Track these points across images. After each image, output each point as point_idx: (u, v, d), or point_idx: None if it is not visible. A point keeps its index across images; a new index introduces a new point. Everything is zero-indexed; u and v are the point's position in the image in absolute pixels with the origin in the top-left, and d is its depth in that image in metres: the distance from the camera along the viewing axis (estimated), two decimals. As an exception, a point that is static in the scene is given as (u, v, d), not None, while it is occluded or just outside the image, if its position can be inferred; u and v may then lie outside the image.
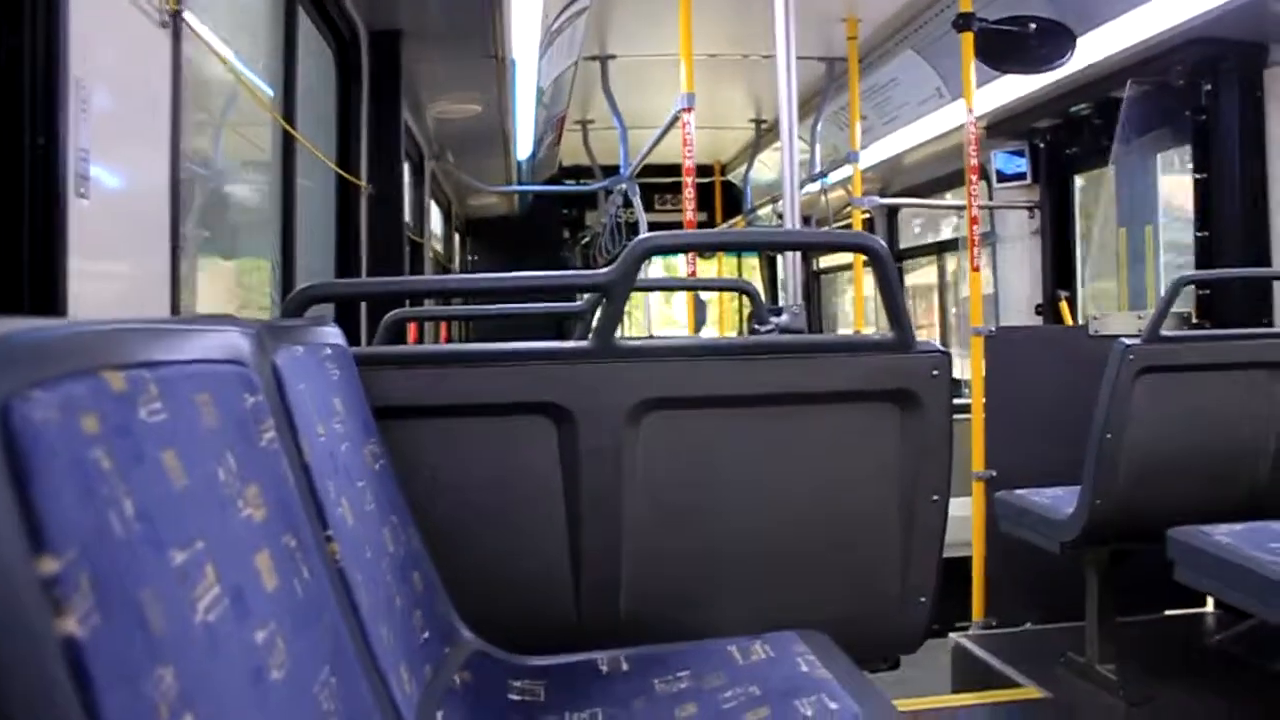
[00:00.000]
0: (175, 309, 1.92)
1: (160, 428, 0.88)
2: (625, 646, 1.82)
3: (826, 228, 7.28)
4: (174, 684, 0.74)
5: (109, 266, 1.73)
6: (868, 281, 6.19)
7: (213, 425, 1.01)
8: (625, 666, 1.76)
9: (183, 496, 0.88)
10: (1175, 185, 4.89)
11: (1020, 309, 5.98)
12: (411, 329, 5.26)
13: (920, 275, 8.39)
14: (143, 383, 0.88)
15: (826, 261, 9.68)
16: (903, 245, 8.25)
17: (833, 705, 1.52)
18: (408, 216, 5.49)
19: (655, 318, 8.89)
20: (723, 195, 10.20)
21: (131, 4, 1.79)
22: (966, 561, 4.28)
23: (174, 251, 1.98)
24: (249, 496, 1.04)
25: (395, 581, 1.57)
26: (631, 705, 1.66)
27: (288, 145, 3.42)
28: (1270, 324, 4.11)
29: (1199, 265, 4.36)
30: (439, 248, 8.68)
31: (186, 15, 2.05)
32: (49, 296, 1.48)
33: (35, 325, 0.75)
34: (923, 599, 2.04)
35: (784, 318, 3.13)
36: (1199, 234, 4.39)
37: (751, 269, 11.04)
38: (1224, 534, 2.77)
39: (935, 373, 1.98)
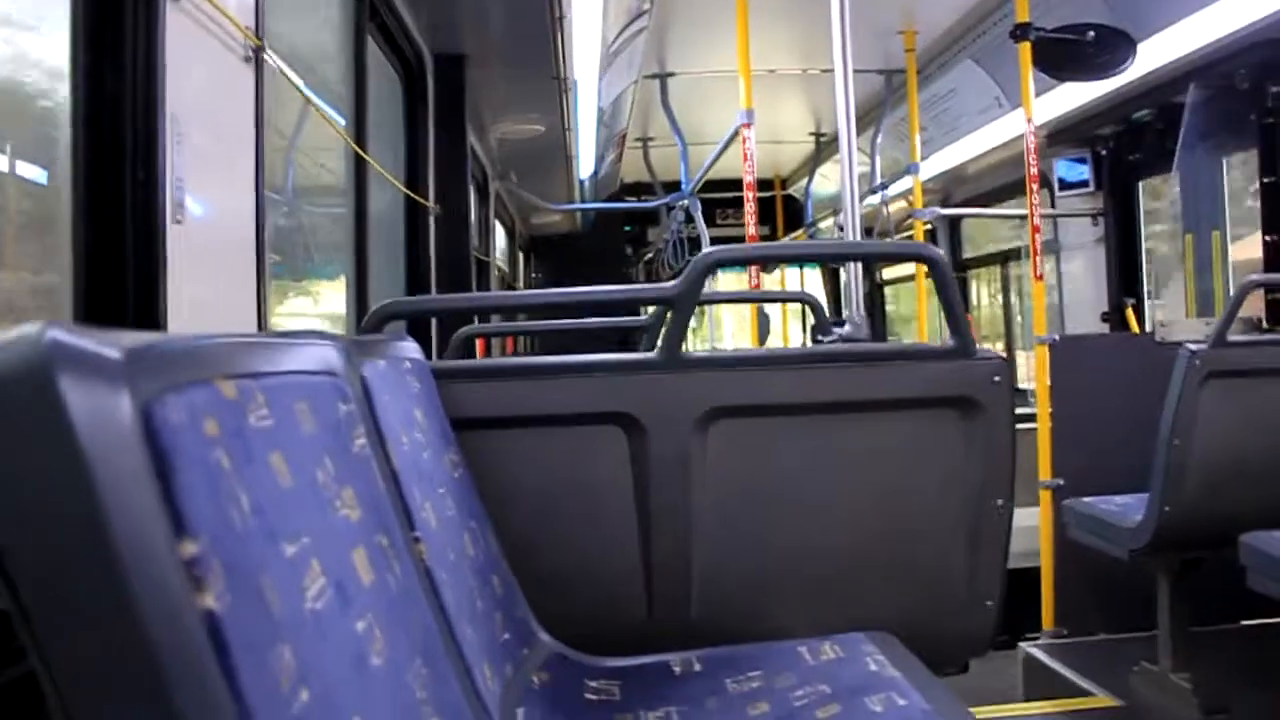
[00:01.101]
0: (261, 326, 2.01)
1: (267, 432, 0.96)
2: (697, 648, 1.87)
3: (888, 239, 7.29)
4: (292, 661, 0.81)
5: (201, 286, 1.83)
6: (930, 293, 6.20)
7: (312, 431, 1.09)
8: (698, 667, 1.81)
9: (289, 495, 0.96)
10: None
11: (1086, 317, 5.94)
12: (479, 345, 5.37)
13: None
14: (250, 391, 0.95)
15: (889, 273, 9.67)
16: (966, 254, 8.22)
17: (902, 702, 1.56)
18: (474, 237, 5.60)
19: (716, 337, 9.00)
20: (784, 209, 10.24)
21: (219, 43, 1.89)
22: (1035, 572, 4.26)
23: (260, 272, 2.07)
24: (345, 498, 1.11)
25: (476, 584, 1.64)
26: (705, 704, 1.70)
27: (360, 169, 3.54)
28: (1342, 327, 4.06)
29: (1268, 269, 4.32)
30: (504, 266, 8.83)
31: (267, 51, 2.15)
32: (150, 314, 1.57)
33: (157, 339, 0.83)
34: (989, 603, 2.06)
35: (846, 328, 3.17)
36: (1267, 238, 4.35)
37: (815, 283, 11.05)
38: None
39: (996, 379, 2.02)
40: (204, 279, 1.85)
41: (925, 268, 2.10)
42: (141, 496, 0.70)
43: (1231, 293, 3.72)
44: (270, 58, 2.17)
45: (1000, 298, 7.92)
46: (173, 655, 0.66)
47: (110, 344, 0.73)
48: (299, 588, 0.90)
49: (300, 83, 2.93)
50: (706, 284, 2.02)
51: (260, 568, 0.83)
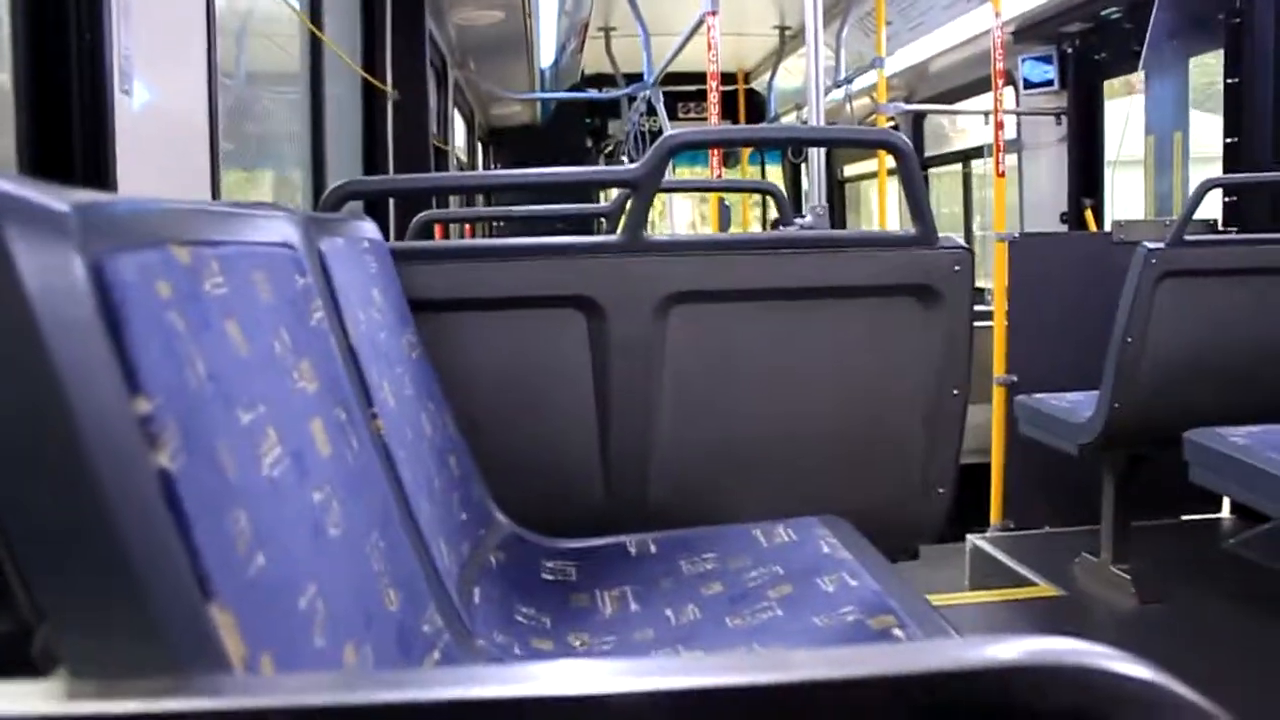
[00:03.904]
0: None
1: (222, 300, 0.94)
2: (653, 530, 1.89)
3: None
4: (248, 526, 0.80)
5: (152, 161, 1.78)
6: (890, 190, 6.19)
7: (268, 302, 1.07)
8: (653, 549, 1.84)
9: (246, 363, 0.94)
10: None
11: (1045, 217, 5.96)
12: (438, 232, 5.32)
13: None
14: (205, 258, 0.93)
15: (850, 170, 9.64)
16: (928, 154, 8.20)
17: (853, 582, 1.59)
18: (433, 124, 5.50)
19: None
20: (746, 104, 10.13)
21: None
22: (986, 468, 4.34)
23: (213, 154, 2.02)
24: (302, 370, 1.10)
25: (434, 464, 1.64)
26: (660, 584, 1.73)
27: (315, 52, 3.45)
28: (1297, 230, 4.09)
29: (1227, 171, 4.33)
30: (463, 156, 8.70)
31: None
32: (100, 182, 1.53)
33: (108, 198, 0.80)
34: (941, 490, 2.10)
35: (807, 218, 3.16)
36: (1228, 140, 4.35)
37: (775, 180, 11.00)
38: (1240, 436, 2.81)
39: (957, 268, 2.02)
40: (154, 156, 1.80)
41: (889, 160, 2.09)
42: (93, 350, 0.68)
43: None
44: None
45: (960, 202, 7.93)
46: (127, 511, 0.65)
47: (59, 198, 0.71)
48: (256, 455, 0.89)
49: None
50: (669, 176, 2.00)
51: (216, 432, 0.82)
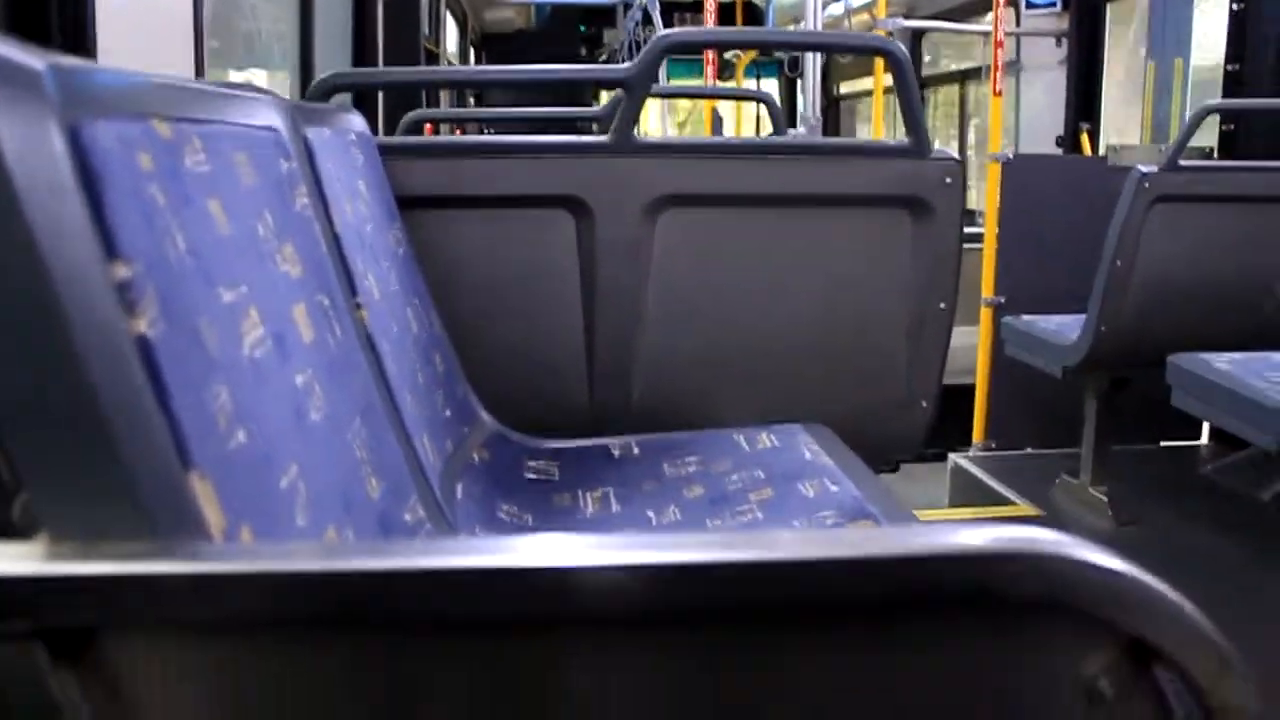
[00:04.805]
0: None
1: (204, 178, 0.92)
2: (636, 434, 1.89)
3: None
4: (228, 401, 0.79)
5: (134, 40, 1.74)
6: (886, 113, 6.12)
7: (251, 183, 1.05)
8: (636, 451, 1.85)
9: (227, 243, 0.93)
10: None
11: (1041, 140, 5.91)
12: (427, 132, 5.24)
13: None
14: (187, 135, 0.91)
15: (846, 88, 9.53)
16: (925, 73, 8.10)
17: (834, 488, 1.60)
18: (424, 25, 5.39)
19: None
20: (744, 16, 9.97)
21: None
22: (971, 389, 4.36)
23: (197, 36, 1.98)
24: (286, 254, 1.09)
25: (418, 360, 1.64)
26: (642, 486, 1.74)
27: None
28: (1293, 159, 4.06)
29: (1226, 98, 4.29)
30: (455, 61, 8.56)
31: None
32: (80, 55, 1.49)
33: (88, 64, 0.78)
34: (925, 403, 2.10)
35: (800, 128, 3.12)
36: (1229, 67, 4.30)
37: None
38: (1224, 362, 2.82)
39: (949, 180, 2.00)
40: (137, 34, 1.76)
41: (886, 79, 2.06)
42: (69, 213, 0.67)
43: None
44: None
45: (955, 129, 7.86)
46: (104, 374, 0.64)
47: (35, 57, 0.69)
48: (237, 333, 0.88)
49: None
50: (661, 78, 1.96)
51: (196, 307, 0.81)
